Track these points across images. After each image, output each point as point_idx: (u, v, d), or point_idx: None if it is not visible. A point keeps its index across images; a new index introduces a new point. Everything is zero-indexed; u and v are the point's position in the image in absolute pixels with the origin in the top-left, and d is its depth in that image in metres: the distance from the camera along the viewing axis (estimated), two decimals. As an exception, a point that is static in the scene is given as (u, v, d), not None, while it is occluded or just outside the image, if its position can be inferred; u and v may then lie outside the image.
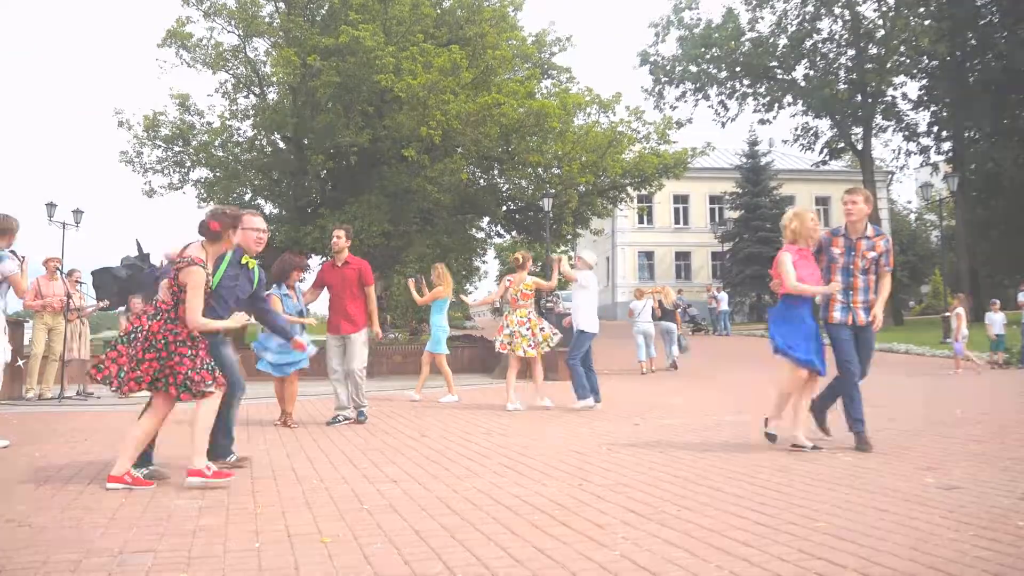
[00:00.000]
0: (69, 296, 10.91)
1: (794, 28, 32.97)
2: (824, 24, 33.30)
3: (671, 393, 11.25)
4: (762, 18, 33.43)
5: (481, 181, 27.65)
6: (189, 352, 4.59)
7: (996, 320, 15.50)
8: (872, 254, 5.91)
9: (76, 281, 11.46)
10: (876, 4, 31.64)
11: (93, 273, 10.14)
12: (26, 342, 11.45)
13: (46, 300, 10.78)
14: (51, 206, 27.38)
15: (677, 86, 34.89)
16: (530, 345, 9.06)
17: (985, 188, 34.05)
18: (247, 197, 25.64)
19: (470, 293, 41.24)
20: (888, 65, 31.51)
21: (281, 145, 25.89)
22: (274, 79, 24.76)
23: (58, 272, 11.07)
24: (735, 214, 42.68)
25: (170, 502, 4.19)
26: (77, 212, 28.51)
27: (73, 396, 11.05)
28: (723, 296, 31.38)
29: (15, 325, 11.31)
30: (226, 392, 4.94)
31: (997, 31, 31.05)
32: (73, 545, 3.32)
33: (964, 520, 3.57)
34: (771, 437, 6.02)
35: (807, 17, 32.62)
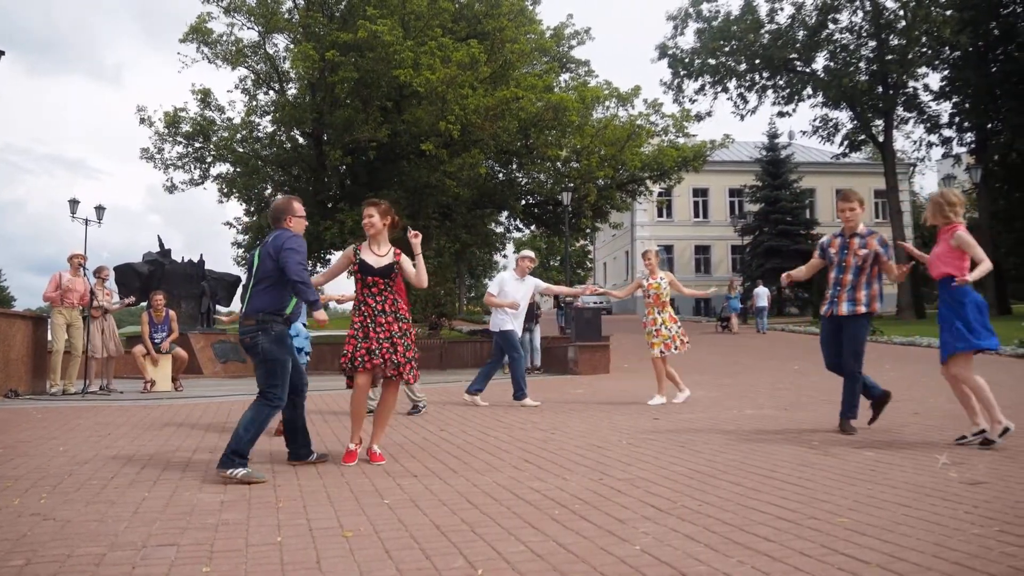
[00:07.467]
0: (93, 293, 11.01)
1: (813, 20, 32.61)
2: (844, 15, 32.97)
3: (690, 388, 11.18)
4: (781, 9, 33.12)
5: (500, 175, 27.65)
6: None
7: None
8: (864, 251, 6.18)
9: (103, 279, 11.57)
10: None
11: (115, 269, 10.23)
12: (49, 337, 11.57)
13: (64, 292, 10.82)
14: (74, 203, 27.62)
15: (696, 79, 34.63)
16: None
17: (1009, 179, 33.60)
18: (267, 192, 25.81)
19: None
20: (910, 56, 31.12)
21: (300, 140, 26.03)
22: (293, 75, 24.90)
23: (81, 268, 11.18)
24: (755, 207, 42.46)
25: (192, 496, 4.23)
26: (99, 208, 28.76)
27: (96, 391, 11.16)
28: (762, 291, 28.40)
29: (38, 320, 11.45)
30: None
31: (1021, 20, 30.54)
32: (98, 538, 3.35)
33: (989, 516, 3.53)
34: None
35: (826, 7, 32.24)
